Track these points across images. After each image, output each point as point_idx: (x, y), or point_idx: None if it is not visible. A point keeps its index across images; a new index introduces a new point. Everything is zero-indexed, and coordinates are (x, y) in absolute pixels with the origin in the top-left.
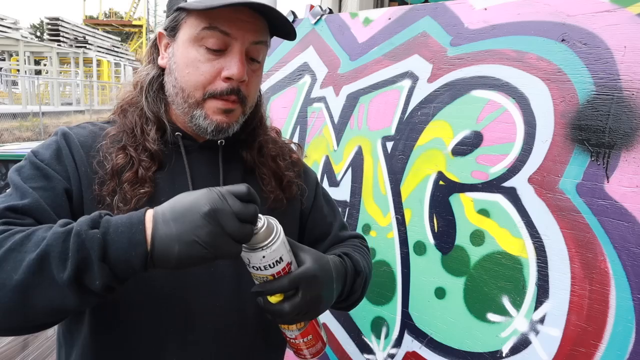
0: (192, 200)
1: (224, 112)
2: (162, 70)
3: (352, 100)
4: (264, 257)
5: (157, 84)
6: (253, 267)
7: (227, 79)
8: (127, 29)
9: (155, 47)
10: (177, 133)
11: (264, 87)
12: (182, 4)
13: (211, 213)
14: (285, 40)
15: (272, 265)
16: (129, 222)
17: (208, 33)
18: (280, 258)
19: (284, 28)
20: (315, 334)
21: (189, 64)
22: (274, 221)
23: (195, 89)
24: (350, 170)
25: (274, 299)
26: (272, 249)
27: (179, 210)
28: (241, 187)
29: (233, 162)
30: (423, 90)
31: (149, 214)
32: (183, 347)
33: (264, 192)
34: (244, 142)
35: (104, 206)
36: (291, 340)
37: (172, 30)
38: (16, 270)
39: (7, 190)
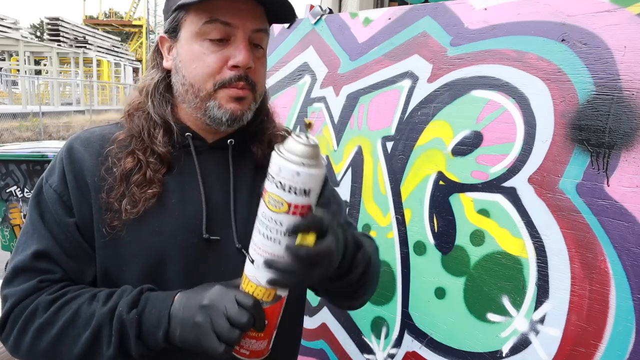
0: (201, 292)
1: (236, 100)
2: (167, 72)
3: (352, 100)
4: (298, 174)
5: (162, 87)
6: (278, 182)
7: (234, 67)
8: (127, 29)
9: (158, 52)
10: (187, 134)
11: None
12: (180, 2)
13: (206, 308)
14: (285, 40)
15: (297, 192)
16: (161, 303)
17: (210, 27)
18: (309, 191)
19: (281, 10)
20: (271, 323)
21: (194, 58)
22: (323, 159)
23: (205, 82)
24: (350, 170)
25: (309, 239)
26: (310, 171)
27: (190, 298)
28: (247, 299)
29: (243, 160)
30: (423, 90)
31: (177, 296)
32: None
33: None
34: (253, 137)
35: (112, 212)
36: None
37: (174, 31)
38: (75, 345)
39: (27, 222)
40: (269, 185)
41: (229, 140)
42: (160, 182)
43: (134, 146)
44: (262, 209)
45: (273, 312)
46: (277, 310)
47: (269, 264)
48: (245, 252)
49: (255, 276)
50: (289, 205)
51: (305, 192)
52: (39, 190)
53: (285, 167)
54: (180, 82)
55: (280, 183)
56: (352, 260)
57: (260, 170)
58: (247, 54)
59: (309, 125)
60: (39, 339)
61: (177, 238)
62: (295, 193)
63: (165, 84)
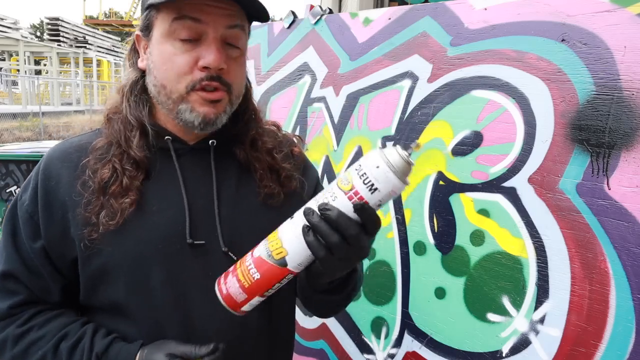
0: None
1: (210, 103)
2: (142, 72)
3: (352, 100)
4: (377, 167)
5: (138, 88)
6: (358, 165)
7: (205, 68)
8: (127, 29)
9: (135, 51)
10: (167, 137)
11: (264, 87)
12: (150, 1)
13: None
14: (285, 40)
15: (365, 182)
16: None
17: (179, 24)
18: (376, 189)
19: (252, 7)
20: (261, 282)
21: (165, 59)
22: (407, 183)
23: (177, 83)
24: None
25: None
26: (388, 173)
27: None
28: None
29: (227, 161)
30: (423, 90)
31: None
32: None
33: (259, 187)
34: (236, 138)
35: (90, 226)
36: (244, 264)
37: (146, 29)
38: None
39: (2, 236)
40: (350, 166)
41: (210, 142)
42: (138, 189)
43: (111, 154)
44: (332, 182)
45: (268, 273)
46: (272, 274)
47: (323, 206)
48: (232, 255)
49: (283, 228)
50: (352, 188)
51: (372, 188)
52: (14, 205)
53: (372, 156)
54: (152, 83)
55: (360, 166)
56: (344, 281)
57: (245, 170)
58: (217, 54)
59: (417, 146)
60: None
61: (159, 245)
62: (364, 182)
63: (141, 84)
